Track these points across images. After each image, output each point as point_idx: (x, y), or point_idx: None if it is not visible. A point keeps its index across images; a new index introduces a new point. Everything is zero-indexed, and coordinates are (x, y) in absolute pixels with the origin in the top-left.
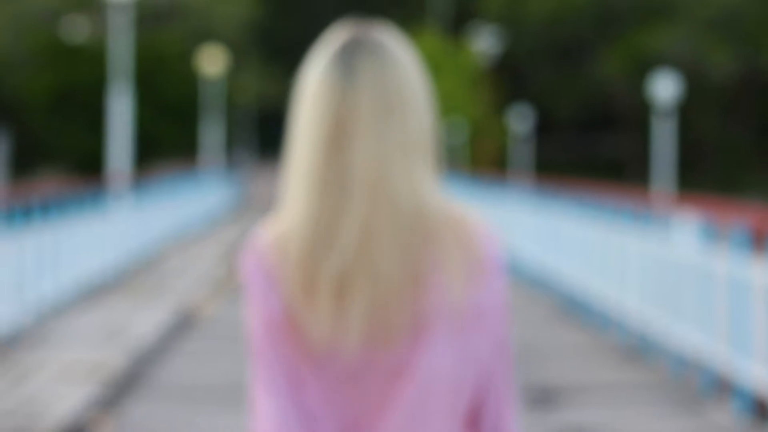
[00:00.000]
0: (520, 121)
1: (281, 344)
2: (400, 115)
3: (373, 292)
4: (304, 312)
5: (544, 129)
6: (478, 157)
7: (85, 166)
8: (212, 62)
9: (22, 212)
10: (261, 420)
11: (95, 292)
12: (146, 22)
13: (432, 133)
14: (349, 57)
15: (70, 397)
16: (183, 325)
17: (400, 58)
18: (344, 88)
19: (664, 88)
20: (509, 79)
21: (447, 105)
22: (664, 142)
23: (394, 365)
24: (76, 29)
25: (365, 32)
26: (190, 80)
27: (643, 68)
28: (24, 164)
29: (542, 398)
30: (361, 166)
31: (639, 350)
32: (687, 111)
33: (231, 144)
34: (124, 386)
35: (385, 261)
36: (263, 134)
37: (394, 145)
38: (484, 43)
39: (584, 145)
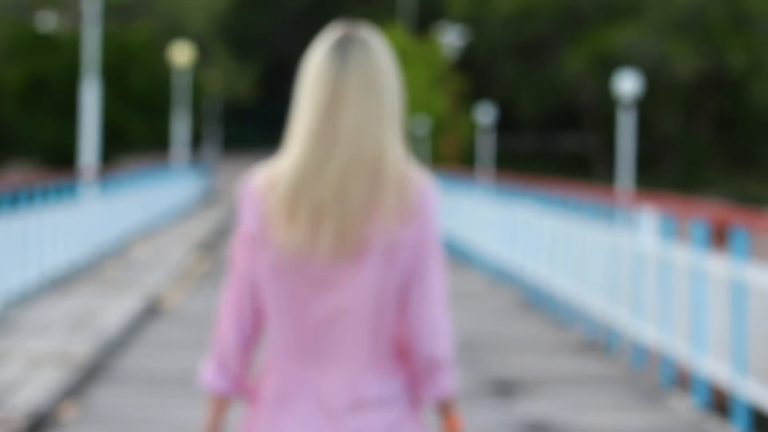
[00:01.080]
0: (483, 117)
1: (253, 253)
2: (377, 94)
3: (342, 219)
4: (284, 229)
5: (507, 125)
6: (442, 151)
7: (55, 159)
8: (180, 56)
9: None
10: (224, 316)
11: (63, 282)
12: (116, 14)
13: (400, 109)
14: (343, 47)
15: (36, 386)
16: (150, 315)
17: (379, 51)
18: (339, 70)
19: (626, 85)
20: (473, 76)
21: (413, 99)
22: (625, 139)
23: (340, 275)
24: (48, 21)
25: (355, 30)
26: (158, 73)
27: (605, 66)
28: None
29: (504, 391)
30: (346, 126)
31: (601, 343)
32: (648, 108)
33: (197, 138)
34: (90, 375)
35: (354, 197)
36: (228, 129)
37: (371, 114)
38: (449, 39)
39: (546, 142)
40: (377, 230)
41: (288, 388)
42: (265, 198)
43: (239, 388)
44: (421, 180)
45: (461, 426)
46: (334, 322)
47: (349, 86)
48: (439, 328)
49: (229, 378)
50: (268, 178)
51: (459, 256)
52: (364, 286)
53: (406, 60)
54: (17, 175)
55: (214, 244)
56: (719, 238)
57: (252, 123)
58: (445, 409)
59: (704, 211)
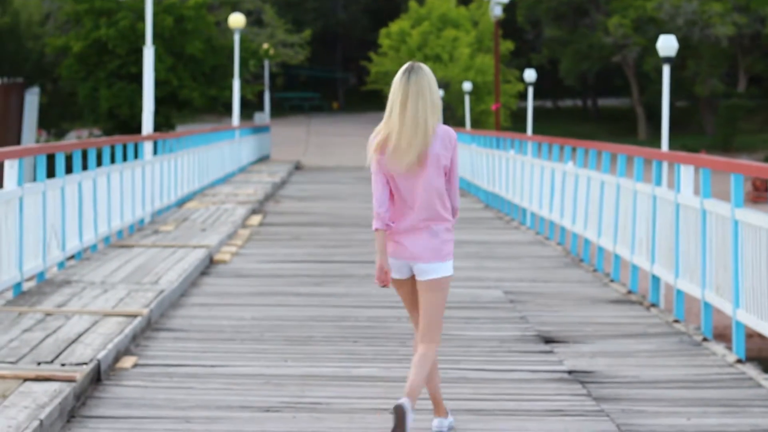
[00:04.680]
0: (525, 79)
1: (379, 170)
2: (424, 95)
3: (419, 151)
4: (384, 157)
5: (549, 88)
6: (486, 112)
7: (116, 123)
8: (234, 22)
9: (50, 163)
10: (375, 196)
11: (123, 240)
12: None
13: (438, 100)
14: (408, 72)
15: (98, 340)
16: (208, 271)
17: (427, 73)
18: (406, 83)
19: (664, 47)
20: (515, 41)
21: (459, 61)
22: (665, 100)
23: (419, 175)
24: None
25: (415, 64)
26: (213, 39)
27: (644, 28)
28: (56, 124)
29: (548, 341)
30: (411, 112)
31: (643, 295)
32: (686, 69)
33: (255, 103)
34: (150, 329)
35: (421, 141)
36: (275, 93)
37: (422, 106)
38: (492, 4)
39: (588, 104)
40: (428, 154)
41: (394, 223)
42: (381, 143)
43: (386, 227)
44: (447, 129)
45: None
46: (424, 196)
47: (410, 92)
48: (455, 195)
49: (382, 222)
50: (380, 135)
51: (506, 212)
52: (430, 179)
53: (453, 24)
54: (78, 139)
55: (268, 205)
56: (757, 193)
57: (299, 88)
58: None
59: (743, 167)
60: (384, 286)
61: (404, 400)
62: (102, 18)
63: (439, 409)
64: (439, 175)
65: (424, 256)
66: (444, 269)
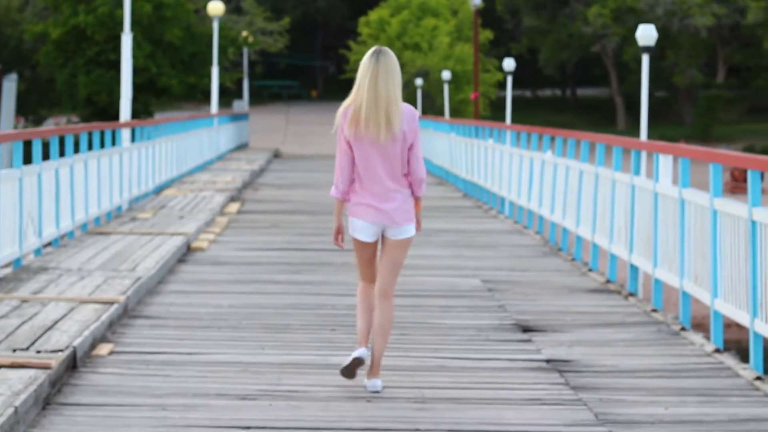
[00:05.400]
0: (504, 68)
1: (345, 140)
2: (392, 75)
3: (387, 125)
4: (358, 128)
5: (527, 78)
6: (465, 101)
7: (94, 110)
8: (213, 9)
9: (27, 149)
10: (336, 167)
11: (101, 228)
12: None
13: (400, 82)
14: (377, 54)
15: (74, 327)
16: (185, 259)
17: (392, 57)
18: (376, 63)
19: (643, 36)
20: (494, 30)
21: (439, 51)
22: (644, 90)
23: (389, 146)
24: None
25: (382, 48)
26: (192, 26)
27: (623, 17)
28: (34, 110)
29: (527, 331)
30: (382, 88)
31: (621, 285)
32: (665, 60)
33: (236, 91)
34: (125, 315)
35: (390, 116)
36: (254, 81)
37: (392, 83)
38: None
39: (566, 93)
40: (398, 128)
41: (362, 191)
42: (354, 115)
43: (344, 196)
44: (410, 107)
45: (420, 208)
46: (387, 167)
47: (380, 70)
48: (421, 166)
49: (340, 192)
50: (353, 106)
51: (485, 201)
52: (395, 151)
53: (432, 12)
54: (56, 126)
55: (247, 193)
56: (735, 183)
57: (278, 76)
58: (417, 200)
59: (721, 157)
60: (339, 247)
61: (362, 350)
62: (80, 5)
63: (376, 371)
64: (403, 148)
65: (400, 219)
66: (412, 229)
